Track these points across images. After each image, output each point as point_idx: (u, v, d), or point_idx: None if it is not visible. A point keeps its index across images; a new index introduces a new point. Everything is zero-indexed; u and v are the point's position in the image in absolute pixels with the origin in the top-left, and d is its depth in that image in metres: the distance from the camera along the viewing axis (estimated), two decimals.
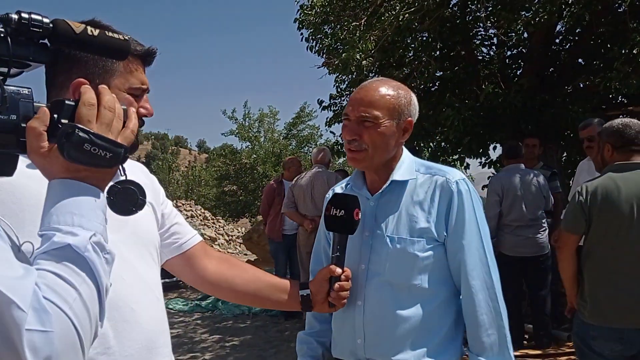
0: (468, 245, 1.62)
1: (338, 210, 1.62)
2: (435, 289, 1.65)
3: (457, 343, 1.68)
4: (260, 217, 17.62)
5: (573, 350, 4.84)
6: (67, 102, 0.93)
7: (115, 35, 1.00)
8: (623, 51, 5.18)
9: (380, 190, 1.71)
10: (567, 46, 7.38)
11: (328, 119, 8.61)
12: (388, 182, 1.70)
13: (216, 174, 20.83)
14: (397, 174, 1.70)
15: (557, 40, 7.29)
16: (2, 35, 0.88)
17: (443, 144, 7.92)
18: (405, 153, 1.77)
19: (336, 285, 1.63)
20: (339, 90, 8.72)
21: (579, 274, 3.00)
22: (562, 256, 2.91)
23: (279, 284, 1.68)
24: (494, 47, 7.59)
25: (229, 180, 20.46)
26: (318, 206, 5.83)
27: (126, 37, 1.03)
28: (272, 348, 5.41)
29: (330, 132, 10.79)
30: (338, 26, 6.99)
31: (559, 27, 6.86)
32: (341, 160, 15.22)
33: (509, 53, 7.34)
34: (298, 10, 7.42)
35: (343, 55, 5.05)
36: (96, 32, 0.97)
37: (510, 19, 5.80)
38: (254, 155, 19.50)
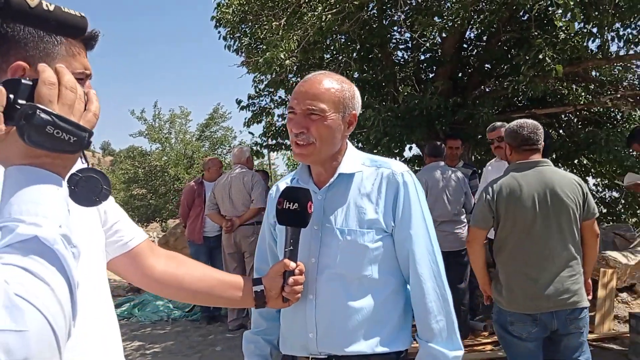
0: (415, 234, 1.66)
1: (291, 203, 1.60)
2: (385, 279, 1.68)
3: (408, 331, 1.72)
4: (173, 221, 17.14)
5: (489, 340, 5.13)
6: (23, 81, 0.85)
7: (72, 11, 0.94)
8: (528, 57, 5.51)
9: (328, 184, 1.72)
10: (474, 52, 7.78)
11: (247, 119, 8.51)
12: (335, 175, 1.71)
13: (123, 177, 19.94)
14: (344, 167, 1.72)
15: (465, 46, 7.66)
16: None
17: (360, 144, 8.09)
18: (350, 146, 1.79)
19: (290, 279, 1.62)
20: (257, 90, 8.67)
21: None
22: (473, 249, 3.12)
23: (231, 280, 1.63)
24: (408, 50, 7.85)
25: (138, 184, 19.65)
26: (236, 207, 5.76)
27: (82, 14, 0.96)
28: (196, 353, 5.27)
29: (249, 132, 10.67)
30: (257, 25, 6.94)
31: (468, 33, 7.20)
32: (261, 160, 15.15)
33: (422, 57, 7.60)
34: (215, 8, 7.30)
35: (267, 54, 5.02)
36: (52, 6, 0.91)
37: (425, 24, 6.00)
38: (165, 158, 18.90)
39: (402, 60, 7.58)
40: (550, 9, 6.12)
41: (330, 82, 1.67)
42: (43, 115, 0.81)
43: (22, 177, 0.82)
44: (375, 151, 7.41)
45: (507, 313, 3.01)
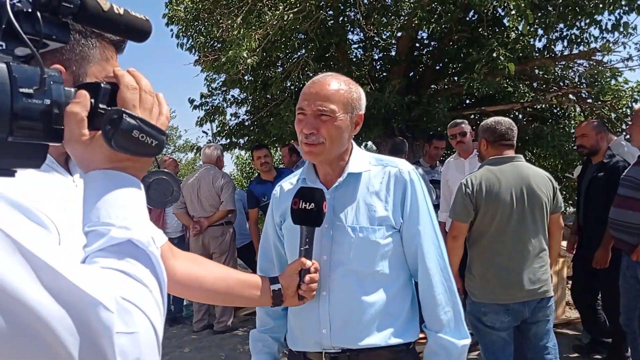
0: (423, 230, 1.73)
1: (307, 203, 1.64)
2: (395, 274, 1.74)
3: (416, 322, 1.79)
4: None
5: None
6: (102, 85, 0.86)
7: (138, 15, 0.95)
8: (482, 55, 5.72)
9: (337, 183, 1.76)
10: (425, 51, 7.98)
11: (199, 118, 8.41)
12: (344, 174, 1.75)
13: None
14: (352, 167, 1.77)
15: (418, 45, 7.85)
16: (30, 10, 0.79)
17: None
18: (355, 146, 1.84)
19: (307, 277, 1.65)
20: (210, 89, 8.58)
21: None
22: (456, 244, 3.19)
23: (250, 280, 1.65)
24: (361, 49, 7.97)
25: None
26: (205, 207, 5.68)
27: (147, 18, 0.97)
28: (165, 355, 5.19)
29: (203, 131, 10.56)
30: (212, 23, 6.87)
31: (420, 32, 7.37)
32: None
33: (376, 56, 7.74)
34: (166, 5, 7.18)
35: (230, 52, 4.99)
36: (121, 10, 0.91)
37: (382, 24, 6.13)
38: None
39: (357, 59, 7.68)
40: (498, 10, 6.40)
41: (339, 84, 1.71)
42: (129, 119, 0.81)
43: (107, 181, 0.83)
44: None
45: (480, 304, 3.14)
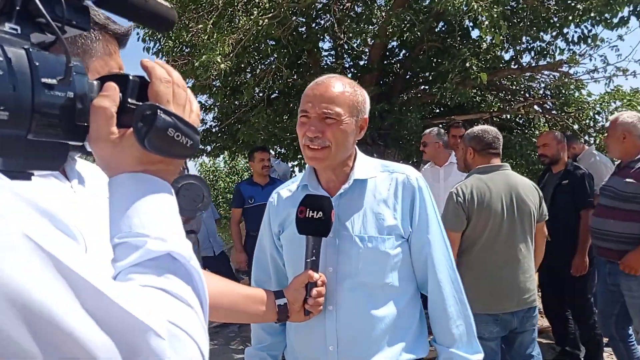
0: (433, 239, 1.67)
1: (315, 212, 1.55)
2: (404, 286, 1.67)
3: (425, 337, 1.72)
4: None
5: None
6: (131, 77, 0.75)
7: (163, 2, 0.85)
8: (454, 65, 5.74)
9: (342, 190, 1.68)
10: (394, 60, 7.99)
11: None
12: (350, 181, 1.67)
13: None
14: (358, 173, 1.69)
15: (388, 54, 7.86)
16: None
17: (284, 149, 8.07)
18: (359, 152, 1.76)
19: (314, 291, 1.56)
20: None
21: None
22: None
23: (254, 294, 1.55)
24: (332, 57, 7.92)
25: None
26: None
27: (171, 6, 0.87)
28: None
29: None
30: (180, 27, 6.70)
31: (391, 41, 7.38)
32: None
33: (347, 64, 7.70)
34: None
35: (203, 57, 4.85)
36: None
37: (356, 32, 6.09)
38: None
39: (328, 67, 7.63)
40: (465, 21, 6.45)
41: (344, 86, 1.64)
42: (165, 116, 0.71)
43: (138, 186, 0.73)
44: (300, 156, 7.42)
45: None
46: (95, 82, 0.74)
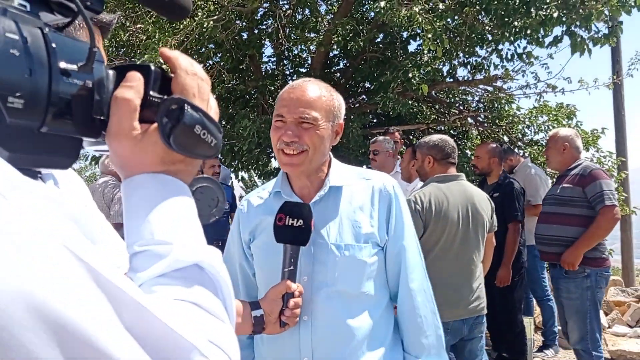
0: (408, 246, 1.65)
1: (295, 220, 1.48)
2: (380, 295, 1.63)
3: (400, 347, 1.68)
4: None
5: None
6: (153, 67, 0.68)
7: None
8: (396, 75, 5.83)
9: (317, 197, 1.63)
10: (333, 69, 8.04)
11: None
12: (326, 187, 1.63)
13: None
14: (334, 179, 1.65)
15: (328, 62, 7.89)
16: None
17: (222, 157, 7.91)
18: (334, 158, 1.72)
19: (291, 302, 1.49)
20: None
21: None
22: None
23: None
24: (272, 63, 7.88)
25: None
26: None
27: None
28: None
29: None
30: (116, 27, 6.45)
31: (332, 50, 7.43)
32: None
33: (288, 71, 7.67)
34: None
35: (145, 57, 4.68)
36: None
37: (298, 39, 6.08)
38: None
39: (270, 72, 7.58)
40: (403, 34, 6.58)
41: (320, 90, 1.59)
42: (192, 112, 0.64)
43: (160, 188, 0.65)
44: (242, 160, 7.28)
45: None
46: (111, 72, 0.66)
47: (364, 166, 5.70)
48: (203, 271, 0.62)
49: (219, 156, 7.83)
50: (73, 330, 0.44)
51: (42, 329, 0.42)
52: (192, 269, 0.61)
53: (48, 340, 0.43)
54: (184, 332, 0.52)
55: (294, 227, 1.48)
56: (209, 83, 0.72)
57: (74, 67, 0.58)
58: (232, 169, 8.27)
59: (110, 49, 6.51)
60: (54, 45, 0.56)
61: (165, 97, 0.65)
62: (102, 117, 0.63)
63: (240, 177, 8.95)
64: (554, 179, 4.71)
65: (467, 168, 7.53)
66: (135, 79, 0.64)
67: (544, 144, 6.24)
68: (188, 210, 0.66)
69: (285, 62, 7.51)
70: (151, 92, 0.65)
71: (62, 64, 0.57)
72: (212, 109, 0.74)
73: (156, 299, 0.53)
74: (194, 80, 0.68)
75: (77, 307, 0.45)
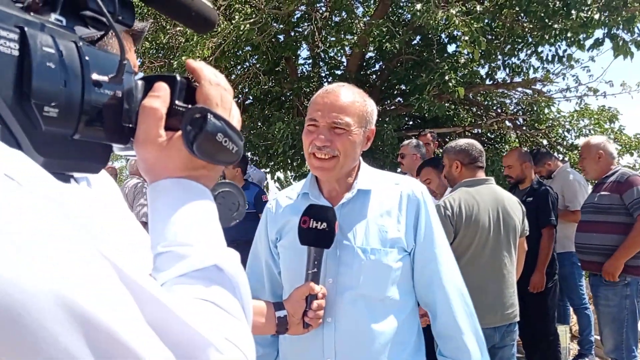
0: (440, 253, 1.63)
1: (319, 223, 1.50)
2: (404, 300, 1.63)
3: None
4: None
5: None
6: (179, 77, 0.71)
7: (207, 1, 0.81)
8: (432, 78, 5.79)
9: (344, 200, 1.63)
10: (369, 71, 8.04)
11: None
12: (354, 191, 1.63)
13: None
14: (362, 183, 1.65)
15: (365, 64, 7.90)
16: None
17: (257, 157, 8.00)
18: (363, 162, 1.73)
19: (314, 304, 1.50)
20: None
21: None
22: None
23: (255, 305, 1.48)
24: (308, 65, 7.92)
25: None
26: None
27: (214, 6, 0.82)
28: None
29: None
30: (157, 29, 6.61)
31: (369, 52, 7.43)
32: None
33: (323, 73, 7.71)
34: None
35: (183, 58, 4.78)
36: None
37: (334, 41, 6.10)
38: None
39: (305, 75, 7.63)
40: (441, 36, 6.53)
41: (354, 95, 1.60)
42: (215, 120, 0.67)
43: (183, 192, 0.68)
44: (272, 163, 7.35)
45: None
46: (140, 82, 0.69)
47: (398, 169, 5.69)
48: (222, 272, 0.65)
49: (256, 158, 7.96)
50: (98, 324, 0.47)
51: (68, 321, 0.45)
52: (211, 270, 0.64)
53: (75, 332, 0.45)
54: (202, 329, 0.54)
55: (318, 229, 1.49)
56: (232, 93, 0.75)
57: (105, 78, 0.61)
58: (268, 170, 8.36)
59: (150, 51, 6.67)
60: (87, 58, 0.60)
61: (190, 106, 0.68)
62: (130, 125, 0.66)
63: (276, 178, 9.05)
64: (593, 184, 4.62)
65: (503, 172, 7.43)
66: (162, 89, 0.67)
67: None
68: (209, 214, 0.69)
69: (320, 64, 7.55)
70: (176, 102, 0.69)
71: (94, 76, 0.60)
72: (234, 117, 0.76)
73: (177, 297, 0.56)
74: (217, 90, 0.71)
75: (104, 304, 0.47)
